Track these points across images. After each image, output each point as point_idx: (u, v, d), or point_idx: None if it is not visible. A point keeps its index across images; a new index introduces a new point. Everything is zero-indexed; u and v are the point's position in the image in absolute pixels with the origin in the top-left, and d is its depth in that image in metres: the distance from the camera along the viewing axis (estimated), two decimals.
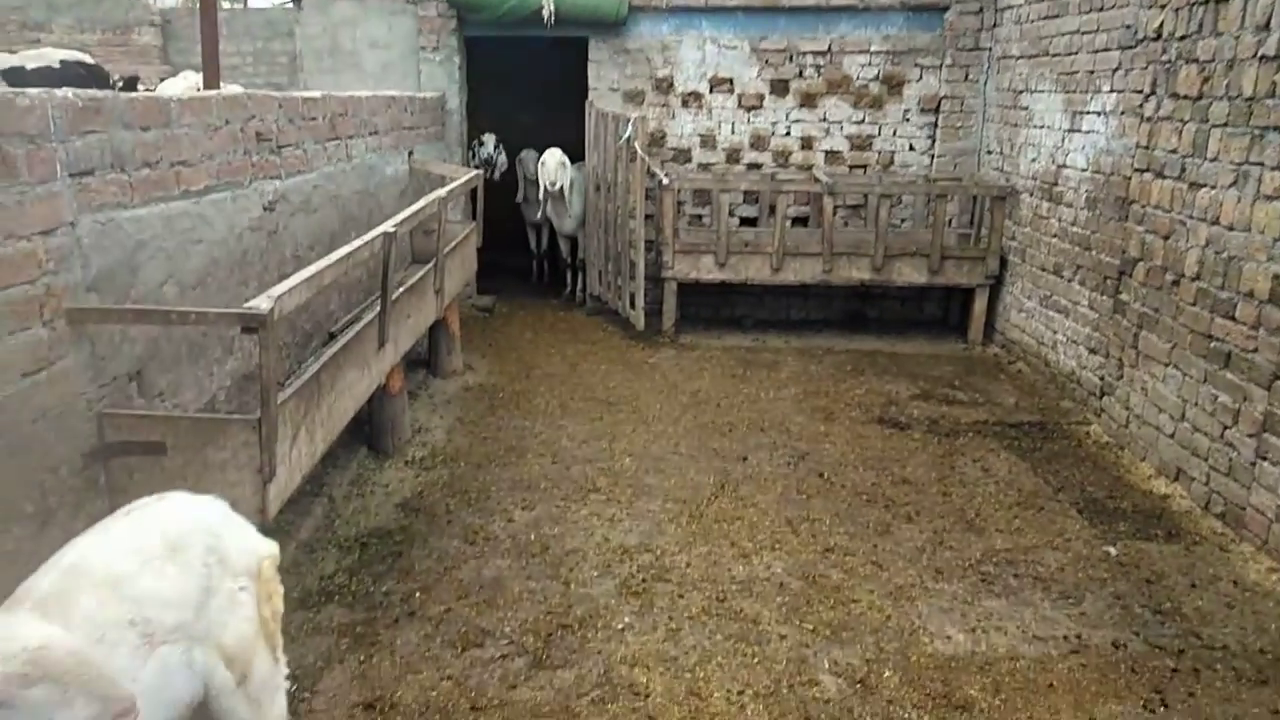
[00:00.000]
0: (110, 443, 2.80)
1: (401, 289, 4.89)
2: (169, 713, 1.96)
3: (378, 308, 4.52)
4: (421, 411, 6.11)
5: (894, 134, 8.48)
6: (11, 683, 1.39)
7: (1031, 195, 7.34)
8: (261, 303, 2.74)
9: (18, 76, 6.98)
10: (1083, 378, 6.43)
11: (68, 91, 2.67)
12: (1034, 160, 7.30)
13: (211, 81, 4.84)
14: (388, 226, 4.12)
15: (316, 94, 4.90)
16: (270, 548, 2.30)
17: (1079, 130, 6.57)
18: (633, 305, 7.90)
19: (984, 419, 6.22)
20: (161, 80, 7.92)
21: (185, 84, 7.93)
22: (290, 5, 8.88)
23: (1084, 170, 6.47)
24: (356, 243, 3.75)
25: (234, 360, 3.84)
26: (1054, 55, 6.92)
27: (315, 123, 4.76)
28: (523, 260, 10.10)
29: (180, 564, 2.00)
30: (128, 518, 2.08)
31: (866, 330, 8.44)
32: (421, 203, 4.92)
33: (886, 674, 3.52)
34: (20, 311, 2.47)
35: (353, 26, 8.27)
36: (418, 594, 4.00)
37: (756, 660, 3.59)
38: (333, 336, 5.03)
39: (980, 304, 7.90)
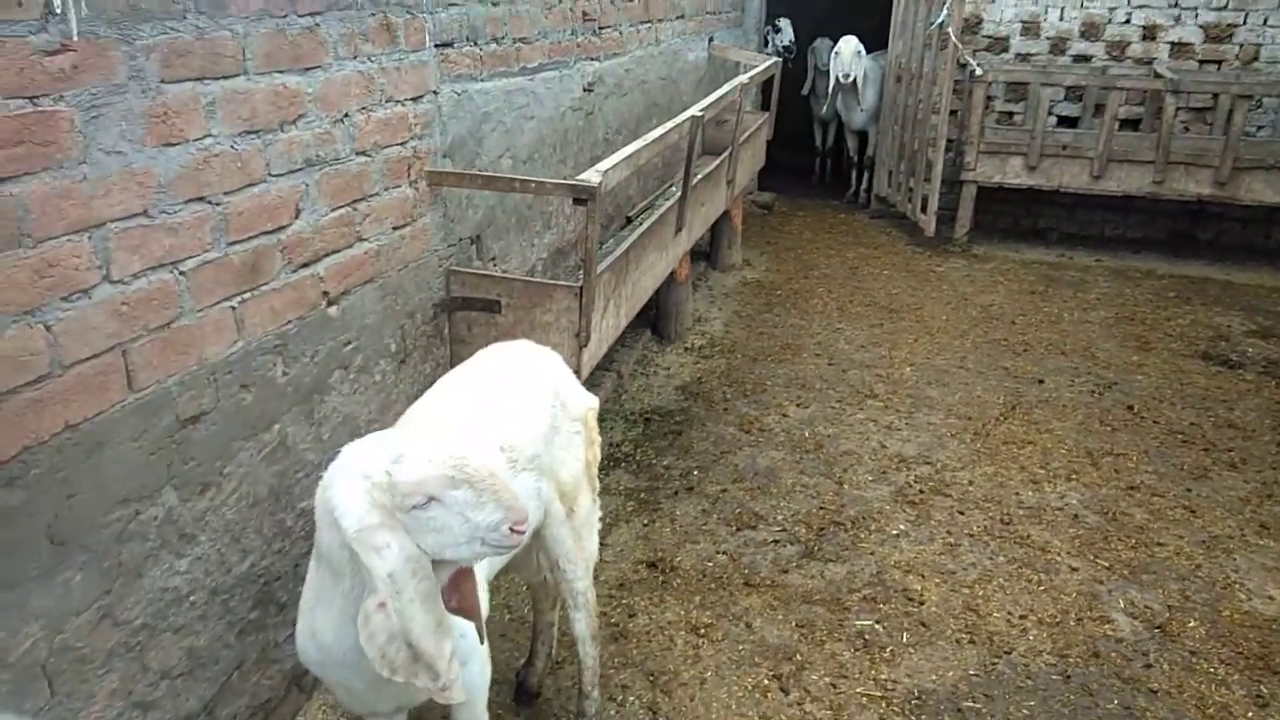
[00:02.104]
0: (455, 297, 3.11)
1: (699, 176, 4.94)
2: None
3: (673, 194, 4.62)
4: (700, 303, 6.25)
5: (1264, 23, 7.21)
6: (442, 483, 1.62)
7: None
8: (591, 176, 2.88)
9: None
10: None
11: None
12: None
13: None
14: (695, 111, 4.15)
15: None
16: (593, 399, 2.48)
17: None
18: (924, 209, 7.49)
19: None
20: None
21: None
22: None
23: None
24: (668, 125, 3.80)
25: (550, 234, 4.10)
26: None
27: (631, 4, 4.83)
28: (805, 158, 9.85)
29: (534, 403, 2.22)
30: (487, 360, 2.31)
31: (1196, 254, 7.45)
32: (725, 88, 4.89)
33: (1191, 624, 3.23)
34: (394, 170, 2.77)
35: None
36: (695, 471, 4.18)
37: (1042, 588, 3.42)
38: (629, 220, 5.21)
39: None
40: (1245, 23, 7.25)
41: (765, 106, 7.18)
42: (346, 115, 2.52)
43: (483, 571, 2.04)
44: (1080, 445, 4.44)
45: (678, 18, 5.85)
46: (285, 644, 2.55)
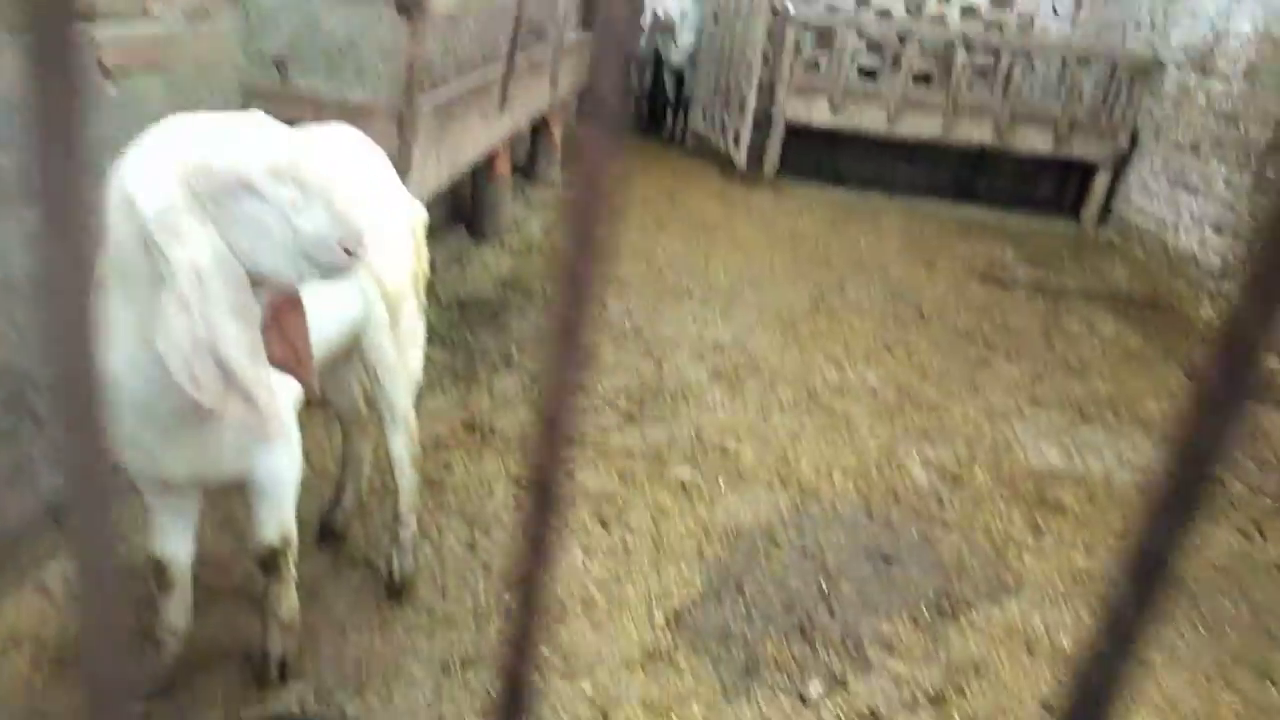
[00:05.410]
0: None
1: (524, 65, 4.79)
2: (338, 328, 1.98)
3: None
4: (519, 210, 6.10)
5: None
6: (264, 173, 1.38)
7: (1179, 69, 6.85)
8: None
9: None
10: (1202, 259, 6.11)
11: None
12: (1189, 30, 6.78)
13: None
14: None
15: None
16: (423, 212, 2.30)
17: None
18: (736, 143, 7.69)
19: (1092, 287, 6.00)
20: None
21: None
22: None
23: (1248, 35, 5.99)
24: None
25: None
26: None
27: None
28: None
29: (362, 190, 1.96)
30: (309, 135, 2.04)
31: (975, 200, 8.11)
32: None
33: (978, 472, 3.50)
34: None
35: None
36: (514, 350, 4.06)
37: (846, 446, 3.59)
38: None
39: (1102, 182, 7.50)
40: None
41: (587, 27, 7.10)
42: None
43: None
44: (878, 338, 4.71)
45: None
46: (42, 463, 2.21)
